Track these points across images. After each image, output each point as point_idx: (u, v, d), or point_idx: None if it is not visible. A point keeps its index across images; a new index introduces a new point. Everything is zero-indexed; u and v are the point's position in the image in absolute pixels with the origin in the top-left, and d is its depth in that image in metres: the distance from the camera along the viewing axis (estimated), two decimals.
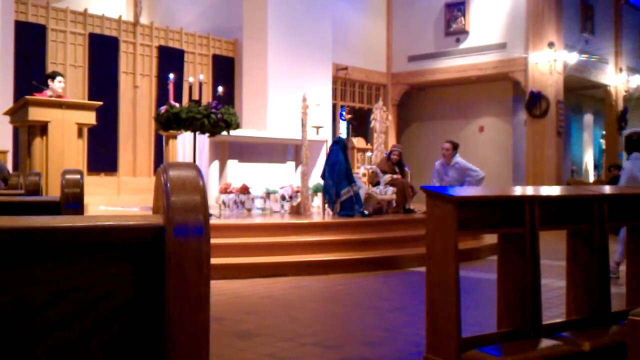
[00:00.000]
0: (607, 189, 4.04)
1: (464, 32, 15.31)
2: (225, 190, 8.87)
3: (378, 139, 10.17)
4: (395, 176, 9.30)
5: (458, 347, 2.89)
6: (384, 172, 9.22)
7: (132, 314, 0.98)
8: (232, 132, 7.95)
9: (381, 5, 16.67)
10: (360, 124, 16.17)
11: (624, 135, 8.13)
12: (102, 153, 11.52)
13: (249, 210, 8.83)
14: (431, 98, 17.32)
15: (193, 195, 0.96)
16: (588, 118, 19.78)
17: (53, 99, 7.03)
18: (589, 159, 19.60)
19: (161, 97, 11.75)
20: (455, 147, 9.06)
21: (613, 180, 13.21)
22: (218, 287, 5.66)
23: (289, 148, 10.53)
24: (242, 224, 7.50)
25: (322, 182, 8.61)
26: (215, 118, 7.34)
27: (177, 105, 7.46)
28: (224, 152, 9.69)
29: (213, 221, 7.10)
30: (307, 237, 7.26)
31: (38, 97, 6.98)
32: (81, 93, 11.20)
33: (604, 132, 18.99)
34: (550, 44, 14.00)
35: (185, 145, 9.09)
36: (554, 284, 5.77)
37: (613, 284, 3.84)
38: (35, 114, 6.63)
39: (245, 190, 8.85)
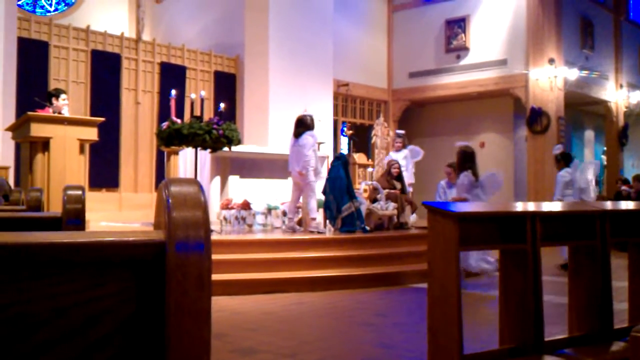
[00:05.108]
0: (609, 205, 4.03)
1: (464, 49, 15.38)
2: (226, 206, 8.86)
3: (379, 155, 10.18)
4: (392, 191, 9.23)
5: None
6: (383, 188, 9.18)
7: (133, 329, 0.98)
8: (233, 148, 7.96)
9: (382, 22, 16.77)
10: (361, 139, 16.20)
11: (458, 150, 7.46)
12: (104, 169, 11.54)
13: (250, 226, 8.82)
14: (432, 114, 17.35)
15: (194, 211, 0.97)
16: (589, 134, 19.80)
17: (55, 115, 7.05)
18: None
19: (163, 113, 11.79)
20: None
21: (618, 195, 13.17)
22: (219, 303, 5.64)
23: None
24: (244, 239, 7.49)
25: (323, 197, 8.61)
26: (217, 134, 7.36)
27: (179, 121, 7.48)
28: (225, 168, 9.69)
29: (214, 237, 7.08)
30: (308, 253, 7.25)
31: (40, 113, 6.99)
32: (83, 109, 11.25)
33: (604, 148, 19.00)
34: (551, 61, 14.06)
35: (186, 161, 9.10)
36: (556, 300, 5.74)
37: None
38: (37, 130, 6.65)
39: (246, 206, 8.84)
